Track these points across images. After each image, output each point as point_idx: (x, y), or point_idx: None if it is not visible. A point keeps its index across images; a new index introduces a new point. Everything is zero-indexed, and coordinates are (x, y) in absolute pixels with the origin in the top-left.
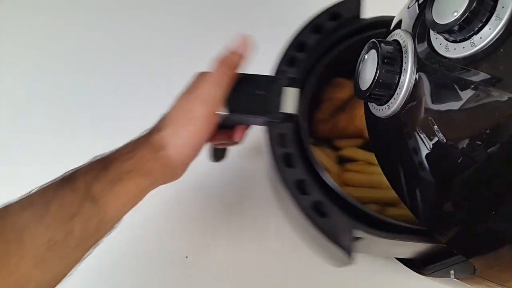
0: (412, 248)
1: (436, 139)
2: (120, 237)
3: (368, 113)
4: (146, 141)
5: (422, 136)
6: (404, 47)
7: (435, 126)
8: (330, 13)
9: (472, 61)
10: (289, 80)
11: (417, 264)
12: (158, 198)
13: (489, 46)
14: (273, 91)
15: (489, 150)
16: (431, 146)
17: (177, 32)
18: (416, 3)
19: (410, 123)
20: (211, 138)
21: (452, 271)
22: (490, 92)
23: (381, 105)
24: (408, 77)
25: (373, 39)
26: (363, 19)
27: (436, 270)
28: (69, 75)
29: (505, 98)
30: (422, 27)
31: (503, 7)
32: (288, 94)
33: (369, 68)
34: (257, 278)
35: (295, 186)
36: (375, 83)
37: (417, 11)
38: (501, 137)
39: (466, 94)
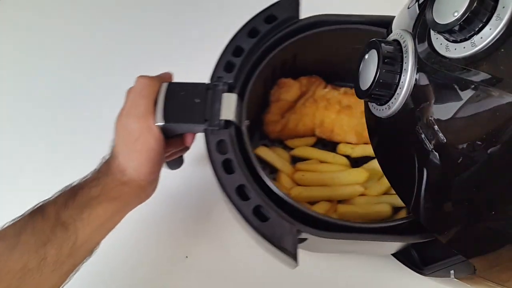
0: (361, 245)
1: (436, 139)
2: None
3: (368, 113)
4: (108, 169)
5: (422, 136)
6: (404, 47)
7: (436, 126)
8: (265, 16)
9: (472, 61)
10: (227, 86)
11: (417, 264)
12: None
13: (489, 46)
14: (211, 98)
15: (489, 150)
16: (432, 146)
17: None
18: (416, 3)
19: (411, 123)
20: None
21: (452, 271)
22: (491, 92)
23: (381, 105)
24: (408, 77)
25: (374, 39)
26: (301, 19)
27: (436, 270)
28: (68, 75)
29: (506, 98)
30: (422, 27)
31: (503, 7)
32: (226, 100)
33: (369, 68)
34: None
35: (236, 192)
36: (376, 83)
37: (417, 11)
38: (501, 137)
39: (467, 94)
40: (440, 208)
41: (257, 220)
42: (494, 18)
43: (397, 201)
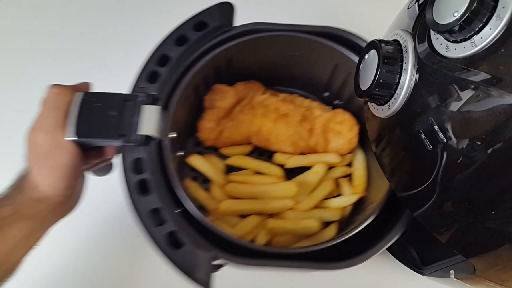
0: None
1: (436, 139)
2: None
3: (368, 113)
4: (21, 186)
5: (422, 136)
6: (404, 47)
7: (436, 126)
8: (194, 23)
9: (472, 61)
10: (149, 97)
11: (417, 264)
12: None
13: (489, 46)
14: (129, 110)
15: (489, 150)
16: (431, 146)
17: None
18: (416, 3)
19: (411, 123)
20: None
21: (452, 271)
22: (490, 92)
23: (381, 105)
24: (408, 77)
25: (374, 39)
26: (235, 27)
27: (436, 270)
28: (69, 75)
29: (506, 98)
30: (422, 27)
31: (503, 7)
32: (147, 114)
33: (369, 68)
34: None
35: (150, 215)
36: (376, 83)
37: (417, 11)
38: (501, 137)
39: (466, 94)
40: (440, 208)
41: (170, 247)
42: (494, 18)
43: (327, 215)
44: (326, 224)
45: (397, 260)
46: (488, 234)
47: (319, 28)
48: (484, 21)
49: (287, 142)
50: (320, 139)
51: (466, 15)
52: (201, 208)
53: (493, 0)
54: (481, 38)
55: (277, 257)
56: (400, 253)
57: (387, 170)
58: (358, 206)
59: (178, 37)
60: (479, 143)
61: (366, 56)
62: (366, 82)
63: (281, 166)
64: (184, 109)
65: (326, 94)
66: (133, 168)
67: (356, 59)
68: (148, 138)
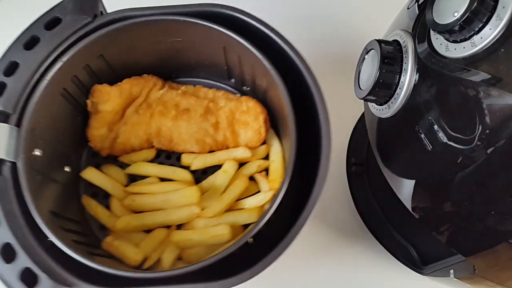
0: None
1: (436, 139)
2: None
3: (368, 113)
4: None
5: (422, 136)
6: (404, 47)
7: (436, 126)
8: (45, 22)
9: (472, 61)
10: None
11: (417, 264)
12: None
13: (489, 46)
14: None
15: (489, 150)
16: (431, 146)
17: None
18: (416, 3)
19: (410, 123)
20: None
21: (451, 271)
22: (490, 92)
23: (381, 105)
24: (408, 77)
25: (374, 39)
26: (98, 18)
27: (436, 269)
28: None
29: (506, 98)
30: (422, 27)
31: (503, 7)
32: None
33: (369, 68)
34: None
35: (0, 252)
36: (375, 83)
37: (417, 12)
38: (501, 137)
39: (466, 94)
40: (439, 208)
41: (24, 285)
42: (494, 18)
43: (242, 218)
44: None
45: (397, 260)
46: (487, 234)
47: (191, 7)
48: (484, 21)
49: (191, 141)
50: (227, 133)
51: (466, 15)
52: (103, 228)
53: (493, 0)
54: (481, 38)
55: (152, 283)
56: (400, 253)
57: (386, 170)
58: None
59: (27, 40)
60: (479, 143)
61: (366, 56)
62: (366, 82)
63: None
64: (56, 121)
65: (232, 80)
66: None
67: (237, 37)
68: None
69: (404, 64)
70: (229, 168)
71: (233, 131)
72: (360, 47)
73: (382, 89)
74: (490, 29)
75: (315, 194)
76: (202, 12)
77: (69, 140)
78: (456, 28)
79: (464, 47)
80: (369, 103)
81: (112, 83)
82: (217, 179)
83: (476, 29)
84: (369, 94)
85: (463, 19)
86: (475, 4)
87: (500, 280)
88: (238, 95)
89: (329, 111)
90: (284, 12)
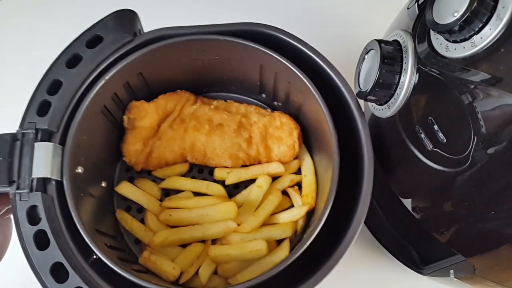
0: None
1: (436, 139)
2: None
3: (368, 113)
4: None
5: (422, 136)
6: (404, 47)
7: (436, 126)
8: (86, 40)
9: (472, 61)
10: (40, 133)
11: (417, 264)
12: None
13: (489, 46)
14: (19, 151)
15: (489, 150)
16: (431, 146)
17: None
18: (416, 3)
19: (410, 123)
20: None
21: (452, 271)
22: (490, 92)
23: (381, 105)
24: (408, 77)
25: (374, 39)
26: (138, 36)
27: (436, 269)
28: None
29: (506, 98)
30: (422, 27)
31: (503, 7)
32: (39, 153)
33: (369, 68)
34: None
35: (51, 272)
36: (376, 83)
37: (417, 12)
38: (501, 137)
39: (466, 94)
40: (439, 208)
41: None
42: (494, 18)
43: (277, 233)
44: (280, 242)
45: (397, 260)
46: (487, 234)
47: (230, 26)
48: (484, 21)
49: (225, 156)
50: (260, 147)
51: (466, 15)
52: (138, 242)
53: (493, 0)
54: (481, 38)
55: None
56: (400, 253)
57: (386, 170)
58: (311, 217)
59: (69, 58)
60: (479, 143)
61: (366, 56)
62: (366, 82)
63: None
64: (95, 137)
65: (263, 95)
66: (28, 219)
67: (277, 55)
68: (45, 181)
69: (404, 64)
70: (263, 183)
71: (266, 146)
72: (360, 47)
73: (382, 89)
74: (490, 29)
75: (360, 213)
76: (239, 31)
77: (106, 155)
78: (456, 28)
79: (464, 47)
80: (369, 103)
81: (147, 98)
82: (252, 193)
83: (476, 29)
84: (369, 94)
85: (463, 19)
86: (475, 4)
87: (500, 280)
88: (269, 110)
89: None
90: (284, 11)
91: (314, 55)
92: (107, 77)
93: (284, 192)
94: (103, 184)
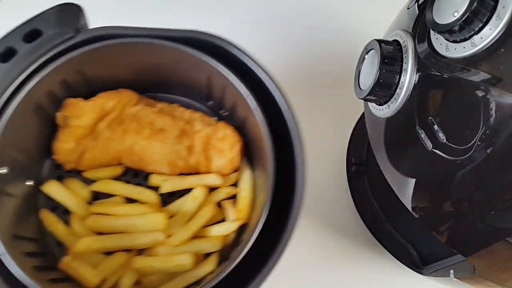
0: None
1: (436, 139)
2: None
3: (368, 113)
4: None
5: (422, 136)
6: (404, 47)
7: (435, 126)
8: (23, 33)
9: (472, 61)
10: None
11: (417, 264)
12: None
13: (489, 46)
14: None
15: (489, 150)
16: (431, 146)
17: None
18: (416, 3)
19: (410, 123)
20: None
21: (452, 271)
22: (491, 92)
23: (381, 105)
24: (408, 77)
25: (374, 39)
26: (81, 33)
27: (436, 269)
28: None
29: (506, 98)
30: (422, 27)
31: (503, 7)
32: None
33: (369, 68)
34: None
35: None
36: (376, 83)
37: (417, 12)
38: (501, 137)
39: (467, 94)
40: (439, 208)
41: None
42: (494, 18)
43: (206, 246)
44: (207, 255)
45: (397, 260)
46: (488, 234)
47: (180, 32)
48: (484, 21)
49: (163, 162)
50: (200, 157)
51: (466, 15)
52: (60, 244)
53: (493, 0)
54: (481, 38)
55: None
56: (400, 253)
57: (386, 170)
58: (243, 231)
59: (2, 51)
60: (479, 143)
61: (366, 56)
62: (366, 82)
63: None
64: (25, 136)
65: (210, 102)
66: None
67: (227, 71)
68: None
69: (404, 64)
70: (199, 194)
71: (207, 157)
72: (360, 47)
73: (382, 89)
74: (490, 29)
75: (287, 234)
76: (190, 38)
77: (36, 153)
78: (456, 28)
79: (464, 47)
80: (369, 103)
81: (86, 96)
82: (186, 204)
83: (476, 29)
84: (369, 94)
85: (463, 19)
86: (475, 4)
87: (500, 280)
88: (215, 118)
89: (305, 150)
90: (283, 11)
91: (260, 73)
92: (42, 74)
93: (219, 204)
94: (29, 183)
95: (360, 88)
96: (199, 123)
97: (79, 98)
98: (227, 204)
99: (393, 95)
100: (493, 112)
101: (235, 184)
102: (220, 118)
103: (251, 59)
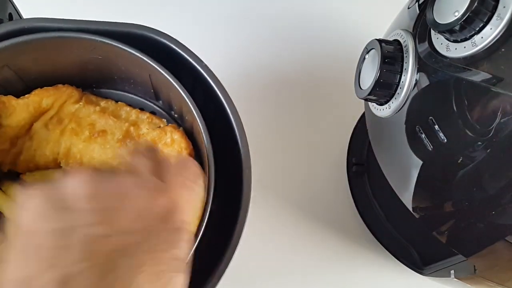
0: None
1: (436, 139)
2: None
3: (368, 113)
4: None
5: (422, 136)
6: (405, 47)
7: (436, 126)
8: None
9: (473, 61)
10: None
11: (417, 264)
12: None
13: (490, 45)
14: None
15: (489, 150)
16: (432, 146)
17: None
18: (417, 3)
19: (411, 123)
20: None
21: (452, 271)
22: (491, 92)
23: (381, 105)
24: (409, 77)
25: (374, 39)
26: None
27: (436, 270)
28: None
29: (506, 97)
30: (422, 27)
31: (504, 7)
32: None
33: (369, 68)
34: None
35: None
36: (376, 82)
37: (418, 11)
38: (501, 137)
39: (467, 94)
40: (439, 208)
41: None
42: (494, 17)
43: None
44: None
45: (397, 260)
46: (488, 234)
47: (118, 26)
48: (484, 20)
49: (103, 167)
50: None
51: (467, 15)
52: None
53: (493, 0)
54: (482, 37)
55: None
56: (400, 253)
57: (386, 170)
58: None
59: None
60: (479, 143)
61: (367, 56)
62: (366, 82)
63: None
64: None
65: (160, 101)
66: None
67: (164, 71)
68: None
69: (404, 64)
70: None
71: None
72: (361, 47)
73: (383, 89)
74: (491, 28)
75: (230, 252)
76: (129, 33)
77: None
78: (457, 27)
79: (464, 47)
80: (369, 103)
81: (21, 93)
82: None
83: (477, 28)
84: (369, 94)
85: (464, 18)
86: (475, 4)
87: (500, 281)
88: (165, 120)
89: (251, 162)
90: (284, 11)
91: (206, 74)
92: None
93: None
94: None
95: (361, 88)
96: (146, 125)
97: (9, 96)
98: None
99: (393, 95)
100: (493, 112)
101: None
102: (172, 119)
103: (190, 53)
